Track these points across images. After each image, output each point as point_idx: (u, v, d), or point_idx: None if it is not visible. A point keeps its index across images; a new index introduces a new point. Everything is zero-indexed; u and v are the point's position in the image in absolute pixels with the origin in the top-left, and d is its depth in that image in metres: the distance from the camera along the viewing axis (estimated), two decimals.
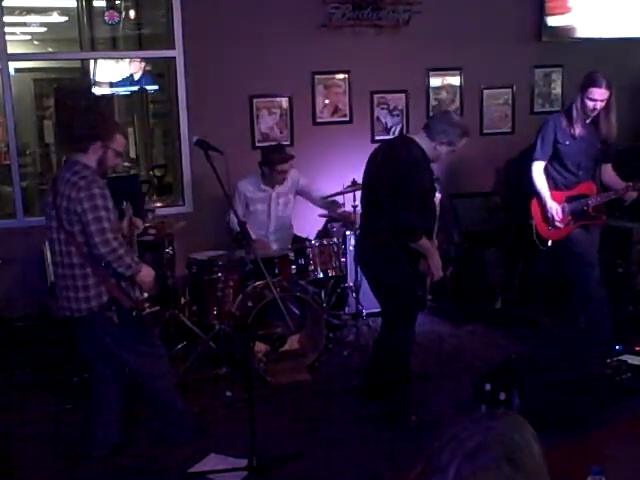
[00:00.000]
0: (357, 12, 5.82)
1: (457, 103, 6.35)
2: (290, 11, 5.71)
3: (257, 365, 4.44)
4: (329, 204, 5.33)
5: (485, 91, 6.40)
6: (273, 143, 5.47)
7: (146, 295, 3.58)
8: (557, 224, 4.65)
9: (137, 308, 3.48)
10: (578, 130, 4.58)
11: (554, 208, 4.64)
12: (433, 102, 6.27)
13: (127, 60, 6.48)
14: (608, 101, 4.52)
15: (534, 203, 4.77)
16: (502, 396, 3.69)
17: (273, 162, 5.03)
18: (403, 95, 6.04)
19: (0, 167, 6.46)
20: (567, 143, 4.62)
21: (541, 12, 6.34)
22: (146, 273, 3.51)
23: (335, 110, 6.02)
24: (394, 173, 3.77)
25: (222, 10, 5.58)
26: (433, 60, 6.16)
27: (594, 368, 3.98)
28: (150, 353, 3.66)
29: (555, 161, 4.70)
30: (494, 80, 6.38)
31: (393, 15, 5.93)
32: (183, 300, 5.06)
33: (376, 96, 6.09)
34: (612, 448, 2.61)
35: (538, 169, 4.70)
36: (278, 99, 5.84)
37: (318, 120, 5.98)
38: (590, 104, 4.49)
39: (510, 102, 6.39)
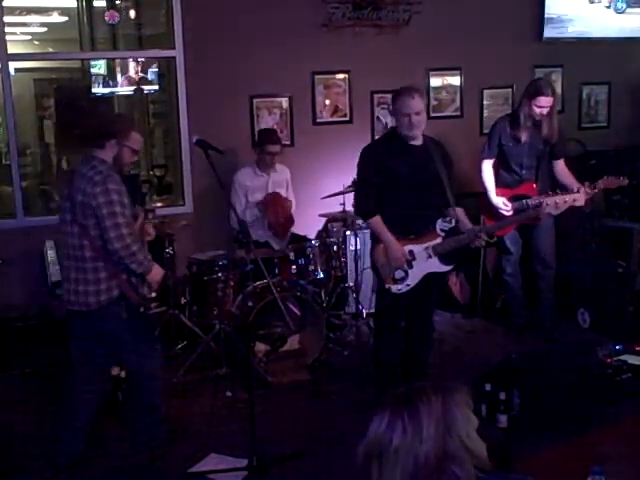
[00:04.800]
0: (357, 12, 5.82)
1: (457, 103, 6.35)
2: (290, 11, 5.72)
3: (257, 365, 4.44)
4: None
5: (485, 91, 6.41)
6: None
7: (154, 295, 3.58)
8: (507, 214, 4.92)
9: (144, 305, 3.48)
10: (525, 135, 4.90)
11: (500, 202, 4.96)
12: (433, 102, 6.27)
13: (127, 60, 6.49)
14: (552, 106, 4.80)
15: (482, 199, 5.12)
16: (502, 396, 3.68)
17: (264, 142, 5.19)
18: None
19: (0, 167, 6.46)
20: (510, 145, 4.98)
21: (541, 12, 6.35)
22: (156, 272, 3.55)
23: (335, 110, 6.03)
24: None
25: (222, 10, 5.58)
26: (433, 60, 6.17)
27: (594, 368, 3.98)
28: (150, 353, 3.65)
29: (501, 161, 5.05)
30: (494, 80, 6.38)
31: (393, 15, 5.93)
32: (183, 300, 5.06)
33: (376, 96, 6.09)
34: (612, 448, 2.61)
35: (485, 167, 5.07)
36: (278, 99, 5.85)
37: (318, 120, 5.98)
38: (537, 110, 4.78)
39: (510, 102, 6.38)
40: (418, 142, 3.95)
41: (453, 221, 3.95)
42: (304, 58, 5.81)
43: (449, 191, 3.94)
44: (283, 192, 5.37)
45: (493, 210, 5.02)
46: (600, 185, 4.73)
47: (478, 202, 5.18)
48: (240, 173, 5.27)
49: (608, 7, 6.62)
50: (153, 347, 3.70)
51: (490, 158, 5.07)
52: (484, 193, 5.11)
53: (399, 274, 3.92)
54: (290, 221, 5.28)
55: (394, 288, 3.93)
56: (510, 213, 4.92)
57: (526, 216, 4.60)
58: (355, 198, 4.24)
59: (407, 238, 3.92)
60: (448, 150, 4.16)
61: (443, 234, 3.94)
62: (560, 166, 4.97)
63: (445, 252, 3.95)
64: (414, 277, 3.94)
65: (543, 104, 4.74)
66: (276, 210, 5.21)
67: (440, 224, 3.94)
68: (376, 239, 3.99)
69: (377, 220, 3.91)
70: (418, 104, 3.85)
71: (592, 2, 6.55)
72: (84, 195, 3.35)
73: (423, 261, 3.93)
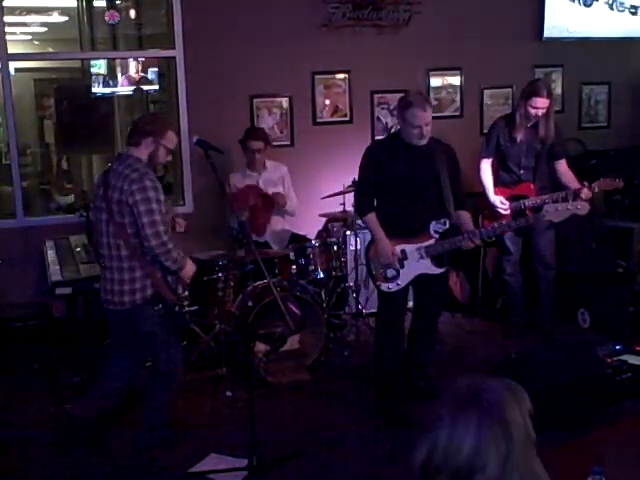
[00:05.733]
0: (357, 12, 5.82)
1: (457, 103, 6.35)
2: (290, 11, 5.72)
3: (257, 365, 4.44)
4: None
5: (485, 91, 6.40)
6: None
7: (186, 293, 3.60)
8: (504, 212, 4.93)
9: (180, 304, 3.52)
10: (520, 135, 4.89)
11: (497, 200, 4.98)
12: (433, 102, 6.24)
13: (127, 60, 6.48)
14: (548, 107, 4.78)
15: (481, 200, 5.14)
16: None
17: (246, 138, 5.20)
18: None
19: (0, 167, 6.46)
20: (509, 145, 4.98)
21: (541, 12, 6.35)
22: (189, 268, 3.58)
23: (335, 110, 6.02)
24: None
25: (222, 10, 5.58)
26: (433, 60, 6.17)
27: (594, 368, 3.98)
28: (177, 355, 3.69)
29: (500, 161, 5.06)
30: (494, 80, 6.38)
31: (393, 15, 5.93)
32: None
33: (376, 96, 6.09)
34: (612, 448, 2.61)
35: (484, 167, 5.08)
36: (278, 99, 5.85)
37: (318, 120, 5.98)
38: (532, 112, 4.78)
39: (510, 102, 6.38)
40: (422, 143, 3.93)
41: (447, 223, 3.95)
42: (304, 58, 5.81)
43: (449, 194, 3.92)
44: (280, 190, 5.34)
45: (491, 210, 5.02)
46: (595, 187, 4.72)
47: (477, 202, 5.18)
48: (232, 176, 5.26)
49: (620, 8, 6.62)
50: (179, 349, 3.74)
51: (488, 157, 5.07)
52: (482, 193, 5.11)
53: (390, 272, 3.94)
54: (260, 212, 5.20)
55: (384, 286, 3.96)
56: (507, 212, 4.92)
57: (525, 222, 4.54)
58: (354, 196, 4.32)
59: (401, 237, 3.93)
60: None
61: (437, 236, 3.95)
62: (562, 167, 4.95)
63: (437, 254, 3.96)
64: (405, 277, 3.95)
65: (538, 105, 4.74)
66: (242, 205, 5.11)
67: (434, 226, 3.94)
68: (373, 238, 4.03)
69: (371, 218, 3.96)
70: (429, 115, 3.85)
71: (588, 5, 6.54)
72: (121, 193, 3.38)
73: (415, 261, 3.95)
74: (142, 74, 6.48)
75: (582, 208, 4.13)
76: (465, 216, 4.02)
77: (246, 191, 5.19)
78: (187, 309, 3.61)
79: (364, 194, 4.06)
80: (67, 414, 3.74)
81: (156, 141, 3.52)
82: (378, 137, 5.93)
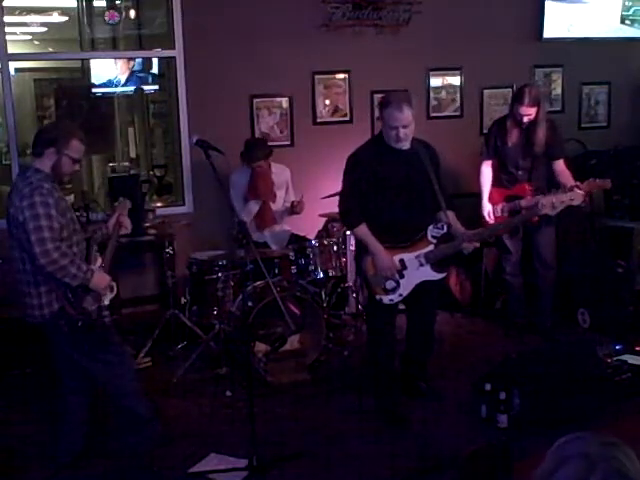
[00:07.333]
0: (357, 12, 5.83)
1: (457, 103, 6.36)
2: (290, 11, 5.72)
3: (257, 365, 4.44)
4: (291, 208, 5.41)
5: (485, 91, 6.41)
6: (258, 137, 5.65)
7: (106, 302, 3.44)
8: (489, 222, 4.99)
9: (82, 319, 3.33)
10: (513, 138, 4.92)
11: (486, 210, 5.04)
12: (433, 102, 6.27)
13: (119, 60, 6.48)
14: (537, 115, 4.78)
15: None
16: (502, 396, 3.69)
17: (251, 158, 5.14)
18: None
19: (0, 167, 6.46)
20: (506, 147, 4.97)
21: (541, 12, 6.36)
22: (99, 279, 3.36)
23: (335, 110, 6.03)
24: None
25: (222, 10, 5.58)
26: (433, 60, 6.18)
27: (594, 368, 3.98)
28: (109, 360, 3.53)
29: (499, 162, 5.06)
30: (494, 80, 6.38)
31: (393, 15, 5.94)
32: (183, 300, 5.07)
33: (376, 96, 6.09)
34: None
35: (484, 170, 5.11)
36: (278, 99, 5.85)
37: (318, 120, 5.99)
38: (518, 117, 4.81)
39: (510, 102, 6.38)
40: (406, 146, 3.80)
41: (445, 227, 3.85)
42: (304, 58, 5.82)
43: (439, 194, 3.82)
44: (282, 193, 5.36)
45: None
46: (585, 187, 4.62)
47: (478, 203, 5.19)
48: (236, 175, 5.26)
49: None
50: (112, 354, 3.57)
51: (488, 159, 5.08)
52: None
53: (390, 284, 3.81)
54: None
55: (385, 299, 3.84)
56: (492, 222, 4.95)
57: (521, 219, 4.57)
58: (340, 207, 4.01)
59: (397, 247, 3.82)
60: (443, 150, 4.08)
61: (435, 241, 3.84)
62: (560, 166, 4.93)
63: (437, 259, 3.85)
64: (406, 287, 3.84)
65: (522, 112, 4.75)
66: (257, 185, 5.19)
67: (432, 231, 3.84)
68: (364, 248, 3.87)
69: (363, 229, 3.80)
70: (407, 117, 3.67)
71: None
72: (15, 209, 3.25)
73: (415, 269, 3.83)
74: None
75: (576, 198, 4.16)
76: (453, 217, 3.90)
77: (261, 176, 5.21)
78: (108, 319, 3.49)
79: (352, 205, 3.84)
80: (58, 464, 3.59)
81: (59, 151, 3.31)
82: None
